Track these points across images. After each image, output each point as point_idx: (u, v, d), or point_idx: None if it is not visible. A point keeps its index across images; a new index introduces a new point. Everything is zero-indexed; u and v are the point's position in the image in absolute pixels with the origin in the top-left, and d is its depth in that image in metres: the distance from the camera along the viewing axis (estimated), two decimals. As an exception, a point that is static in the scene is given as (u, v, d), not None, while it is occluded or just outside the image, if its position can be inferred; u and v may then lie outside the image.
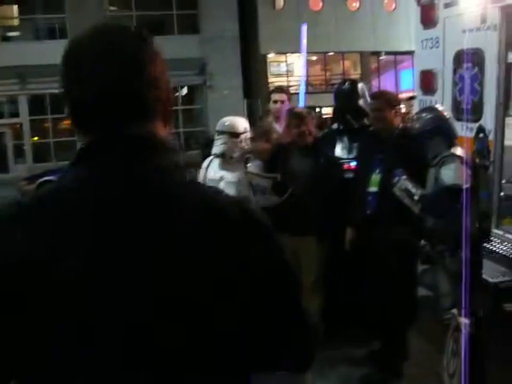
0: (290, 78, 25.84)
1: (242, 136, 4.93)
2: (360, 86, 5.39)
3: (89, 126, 1.14)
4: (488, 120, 5.18)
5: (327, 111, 19.30)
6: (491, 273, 4.96)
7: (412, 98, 6.59)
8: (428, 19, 5.85)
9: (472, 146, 4.57)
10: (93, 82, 1.10)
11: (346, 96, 5.27)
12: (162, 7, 23.96)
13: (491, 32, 5.03)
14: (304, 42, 6.29)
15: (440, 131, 3.79)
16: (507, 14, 4.92)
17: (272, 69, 26.18)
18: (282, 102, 5.75)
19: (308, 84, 26.19)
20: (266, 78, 25.62)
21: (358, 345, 4.93)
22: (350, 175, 4.95)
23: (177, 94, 24.86)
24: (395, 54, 26.93)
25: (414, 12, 6.17)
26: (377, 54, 26.80)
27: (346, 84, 5.43)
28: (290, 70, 26.24)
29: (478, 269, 3.87)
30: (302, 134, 4.73)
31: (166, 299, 1.04)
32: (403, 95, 18.33)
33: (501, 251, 5.00)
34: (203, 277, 1.06)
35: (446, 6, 5.59)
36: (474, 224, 3.75)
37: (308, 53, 25.92)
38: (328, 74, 27.17)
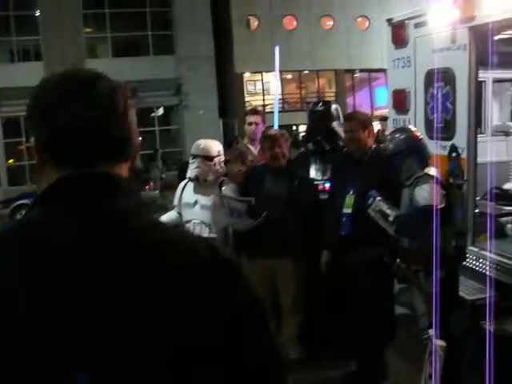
0: (266, 97, 25.98)
1: (216, 159, 4.92)
2: (334, 107, 5.41)
3: (59, 163, 1.11)
4: (460, 138, 5.22)
5: (303, 129, 19.40)
6: (468, 290, 4.98)
7: (386, 118, 6.65)
8: (399, 39, 5.91)
9: (445, 165, 4.60)
10: (65, 121, 1.09)
11: (318, 117, 5.28)
12: (136, 28, 24.01)
13: (461, 52, 5.09)
14: (277, 63, 6.33)
15: (413, 151, 3.80)
16: (476, 34, 4.99)
17: (248, 88, 26.31)
18: (257, 123, 5.76)
19: (284, 102, 26.43)
20: (243, 97, 25.74)
21: (337, 366, 4.90)
22: (324, 196, 4.95)
23: (153, 114, 24.83)
24: (369, 71, 27.23)
25: (386, 32, 6.23)
26: (351, 71, 27.08)
27: (320, 105, 5.44)
28: (266, 88, 26.38)
29: (454, 288, 3.87)
30: (274, 157, 4.72)
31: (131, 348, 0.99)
32: (378, 113, 18.52)
33: (477, 268, 5.03)
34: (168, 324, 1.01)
35: (417, 25, 5.66)
36: (450, 243, 3.76)
37: (283, 71, 26.30)
38: (303, 92, 27.37)
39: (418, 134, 3.99)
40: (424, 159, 3.85)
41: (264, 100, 25.95)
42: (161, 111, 25.48)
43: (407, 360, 4.87)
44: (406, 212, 3.72)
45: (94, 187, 1.09)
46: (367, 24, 26.53)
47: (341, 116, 5.33)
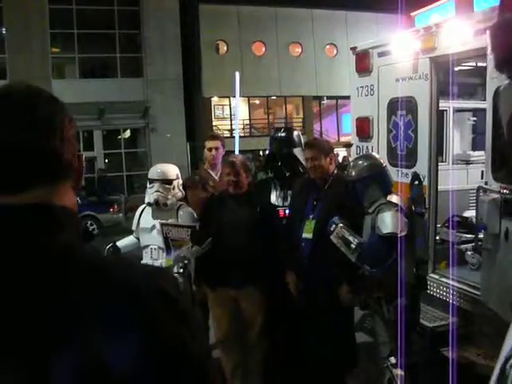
0: (234, 122, 26.06)
1: (175, 182, 4.88)
2: (296, 133, 5.40)
3: None
4: (422, 166, 5.30)
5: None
6: (428, 317, 5.01)
7: (351, 144, 6.72)
8: (363, 67, 6.00)
9: (407, 192, 4.64)
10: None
11: (279, 143, 5.26)
12: (105, 50, 23.91)
13: (423, 81, 5.19)
14: (237, 89, 6.38)
15: (376, 178, 3.81)
16: (436, 65, 5.10)
17: (216, 112, 26.39)
18: (217, 148, 5.71)
19: (251, 127, 26.57)
20: (211, 120, 25.78)
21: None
22: (284, 222, 4.91)
23: (119, 136, 24.67)
24: (337, 98, 27.62)
25: (350, 60, 6.33)
26: (319, 98, 27.41)
27: (282, 131, 5.44)
28: (233, 113, 26.49)
29: (415, 316, 3.87)
30: (233, 183, 4.65)
31: None
32: (345, 139, 18.69)
33: (437, 295, 5.06)
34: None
35: (380, 55, 5.76)
36: (411, 271, 3.76)
37: (251, 97, 26.43)
38: (271, 117, 27.56)
39: (381, 160, 4.01)
40: (387, 186, 3.87)
41: (232, 124, 26.05)
42: (127, 134, 25.31)
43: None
44: (368, 239, 3.71)
45: (23, 220, 1.00)
46: (335, 52, 26.98)
47: (302, 143, 5.34)
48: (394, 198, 3.80)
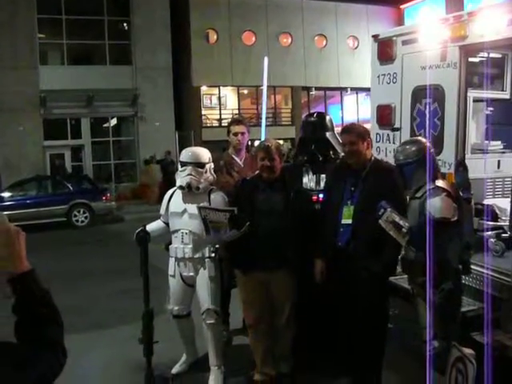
0: (222, 111, 25.96)
1: (207, 166, 4.85)
2: (328, 118, 5.43)
3: None
4: (448, 154, 5.34)
5: (256, 144, 19.40)
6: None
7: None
8: (386, 55, 6.01)
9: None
10: None
11: (313, 127, 5.28)
12: (94, 37, 23.57)
13: (451, 69, 5.22)
14: (265, 74, 6.30)
15: (424, 163, 3.83)
16: (467, 53, 5.14)
17: (205, 101, 26.24)
18: (242, 133, 5.68)
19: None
20: (200, 110, 25.62)
21: (330, 379, 4.87)
22: (317, 207, 4.92)
23: (106, 124, 24.41)
24: (325, 89, 27.66)
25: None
26: (307, 88, 27.41)
27: (314, 116, 5.45)
28: (222, 102, 26.38)
29: (459, 300, 3.92)
30: (267, 168, 4.64)
31: None
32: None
33: (466, 282, 5.12)
34: None
35: (404, 43, 5.78)
36: (457, 256, 3.80)
37: (240, 86, 26.28)
38: (259, 107, 27.47)
39: (429, 145, 4.02)
40: (434, 171, 3.88)
41: (221, 114, 25.93)
42: (114, 121, 25.04)
43: (398, 374, 4.89)
44: (418, 223, 3.73)
45: None
46: (324, 43, 26.97)
47: (334, 128, 5.37)
48: (441, 183, 3.82)
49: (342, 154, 4.85)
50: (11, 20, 21.34)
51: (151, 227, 4.96)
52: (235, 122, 5.94)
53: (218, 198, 4.84)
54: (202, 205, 4.64)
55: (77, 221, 16.55)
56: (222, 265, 4.95)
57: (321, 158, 5.16)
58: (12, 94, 20.95)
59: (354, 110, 27.88)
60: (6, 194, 16.40)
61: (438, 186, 3.76)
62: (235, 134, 5.66)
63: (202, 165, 4.81)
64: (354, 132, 4.45)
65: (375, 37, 6.16)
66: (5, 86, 20.88)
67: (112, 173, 23.87)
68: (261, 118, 22.87)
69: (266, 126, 6.76)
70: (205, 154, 4.90)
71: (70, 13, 22.73)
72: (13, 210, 14.56)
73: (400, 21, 26.24)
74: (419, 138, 4.21)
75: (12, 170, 20.13)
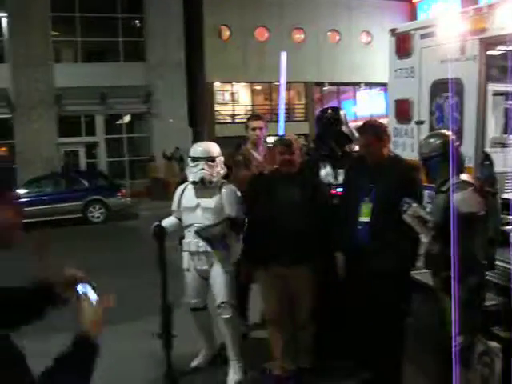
0: (235, 107, 25.98)
1: (217, 159, 4.90)
2: (342, 112, 5.41)
3: None
4: (467, 148, 5.30)
5: (271, 140, 19.39)
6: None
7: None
8: (403, 49, 5.98)
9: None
10: None
11: (328, 122, 5.26)
12: (107, 34, 23.65)
13: (471, 63, 5.18)
14: (283, 69, 6.29)
15: (449, 157, 3.79)
16: (487, 46, 5.09)
17: (217, 97, 26.26)
18: (261, 128, 5.73)
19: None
20: (213, 106, 25.66)
21: (350, 375, 4.84)
22: (335, 201, 4.90)
23: (120, 121, 24.50)
24: (338, 84, 27.57)
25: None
26: (320, 84, 27.34)
27: (329, 111, 5.43)
28: (235, 98, 26.39)
29: (483, 295, 3.89)
30: (287, 162, 4.64)
31: None
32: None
33: (489, 278, 5.08)
34: None
35: (423, 36, 5.74)
36: (481, 251, 3.77)
37: (253, 82, 26.24)
38: (273, 103, 27.44)
39: (453, 138, 3.98)
40: (460, 165, 3.85)
41: (234, 110, 25.95)
42: (128, 118, 25.10)
43: (419, 369, 4.86)
44: (443, 218, 3.70)
45: None
46: (337, 38, 26.88)
47: (348, 121, 5.37)
48: (466, 177, 3.79)
49: (358, 147, 4.85)
50: (26, 18, 21.46)
51: (166, 223, 4.99)
52: (254, 117, 6.07)
53: (228, 191, 4.89)
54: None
55: (92, 217, 16.66)
56: (240, 259, 4.96)
57: (340, 153, 5.15)
58: (27, 92, 21.12)
59: (368, 105, 27.78)
60: (23, 191, 16.53)
61: (463, 180, 3.73)
62: (254, 129, 5.72)
63: (213, 159, 4.86)
64: (369, 132, 4.42)
65: (392, 31, 6.13)
66: (20, 84, 21.05)
67: (126, 169, 23.96)
68: (274, 114, 22.86)
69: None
70: (215, 148, 4.97)
71: (83, 10, 22.82)
72: (29, 206, 14.69)
73: (413, 15, 26.09)
74: (443, 131, 4.17)
75: (27, 166, 20.26)
